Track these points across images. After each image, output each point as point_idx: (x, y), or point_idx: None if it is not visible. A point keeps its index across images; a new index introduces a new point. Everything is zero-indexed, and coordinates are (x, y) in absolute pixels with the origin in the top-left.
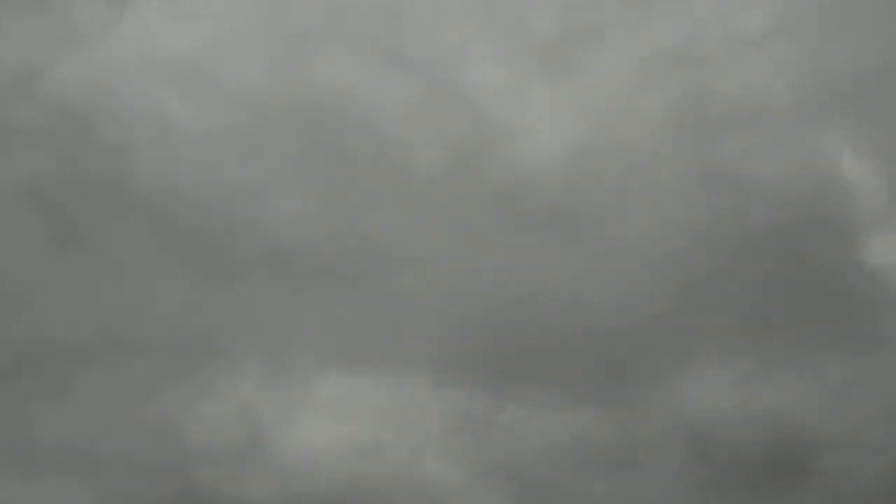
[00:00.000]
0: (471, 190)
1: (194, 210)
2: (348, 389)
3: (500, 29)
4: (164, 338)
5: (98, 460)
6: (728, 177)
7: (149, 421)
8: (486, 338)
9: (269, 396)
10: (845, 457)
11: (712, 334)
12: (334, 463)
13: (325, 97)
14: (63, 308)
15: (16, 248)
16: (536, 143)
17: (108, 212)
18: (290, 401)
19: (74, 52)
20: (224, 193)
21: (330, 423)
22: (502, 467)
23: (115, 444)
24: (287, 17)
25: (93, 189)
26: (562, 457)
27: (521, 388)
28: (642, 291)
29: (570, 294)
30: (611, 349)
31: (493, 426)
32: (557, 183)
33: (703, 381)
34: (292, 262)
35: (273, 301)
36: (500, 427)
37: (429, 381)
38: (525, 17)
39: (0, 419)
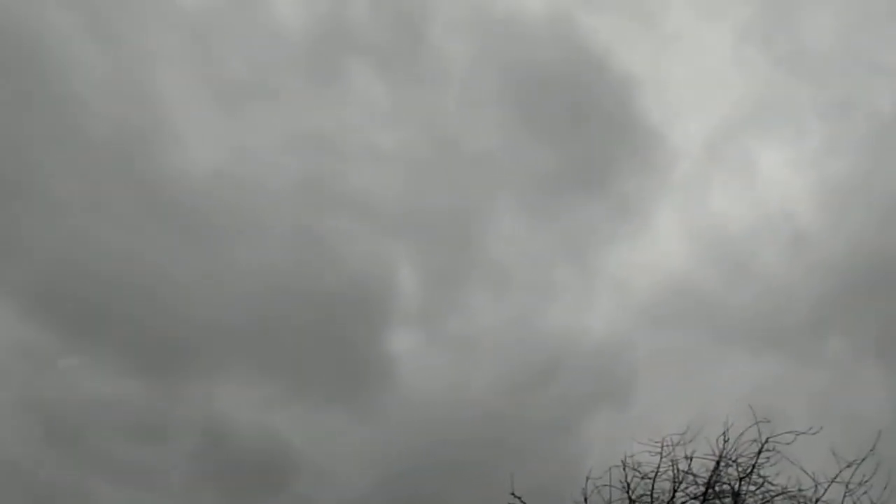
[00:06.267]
0: (129, 167)
1: None
2: None
3: (207, 54)
4: None
5: None
6: (319, 246)
7: None
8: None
9: None
10: (315, 482)
11: (255, 357)
12: None
13: (16, 21)
14: None
15: None
16: (194, 155)
17: None
18: None
19: None
20: None
21: None
22: (45, 413)
23: None
24: None
25: None
26: (93, 418)
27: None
28: (223, 304)
29: (166, 287)
30: (166, 338)
31: (52, 370)
32: (200, 193)
33: (233, 389)
34: None
35: None
36: (56, 371)
37: None
38: (233, 50)
39: None
